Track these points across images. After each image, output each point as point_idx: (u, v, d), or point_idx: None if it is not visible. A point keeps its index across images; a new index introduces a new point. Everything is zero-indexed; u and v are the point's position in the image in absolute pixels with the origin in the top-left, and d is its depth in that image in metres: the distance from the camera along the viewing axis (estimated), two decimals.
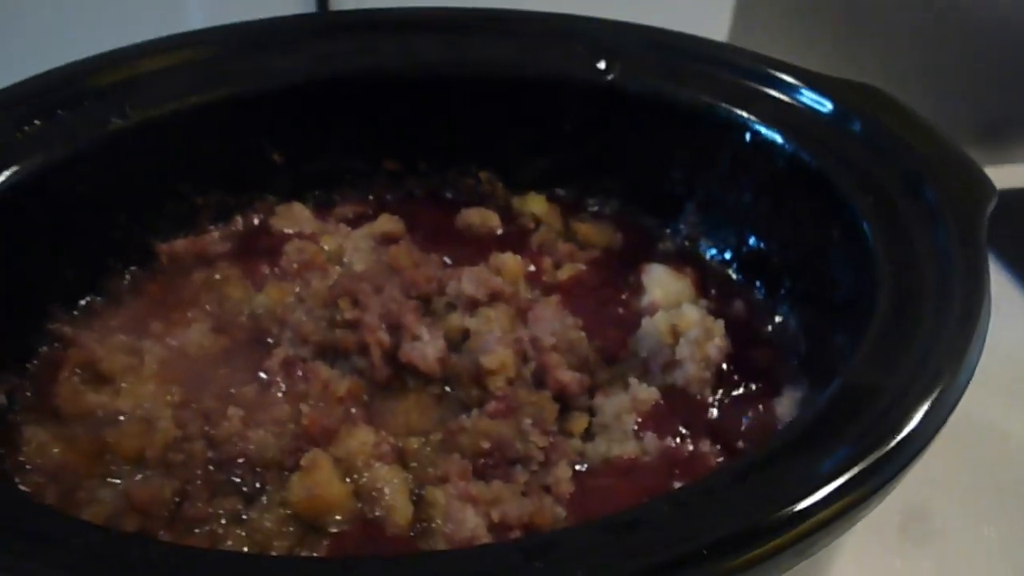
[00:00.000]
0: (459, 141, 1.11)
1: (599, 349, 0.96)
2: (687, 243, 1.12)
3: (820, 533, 0.50)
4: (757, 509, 0.51)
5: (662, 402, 0.90)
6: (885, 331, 0.72)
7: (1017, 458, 1.06)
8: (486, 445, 0.83)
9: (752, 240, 1.05)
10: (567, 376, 0.89)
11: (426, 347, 0.89)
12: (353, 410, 0.88)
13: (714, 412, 0.91)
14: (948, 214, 0.80)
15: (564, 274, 1.08)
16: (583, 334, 0.96)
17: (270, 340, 0.93)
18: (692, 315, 0.96)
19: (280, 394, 0.87)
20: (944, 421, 0.62)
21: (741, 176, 1.00)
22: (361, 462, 0.81)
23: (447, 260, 1.07)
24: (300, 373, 0.89)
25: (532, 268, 1.07)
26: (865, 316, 0.76)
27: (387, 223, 1.12)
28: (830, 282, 0.92)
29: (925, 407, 0.61)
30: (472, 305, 0.97)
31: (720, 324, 0.95)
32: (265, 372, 0.90)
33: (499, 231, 1.14)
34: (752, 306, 1.04)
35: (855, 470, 0.54)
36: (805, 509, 0.51)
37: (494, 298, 0.98)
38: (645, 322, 0.96)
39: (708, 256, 1.10)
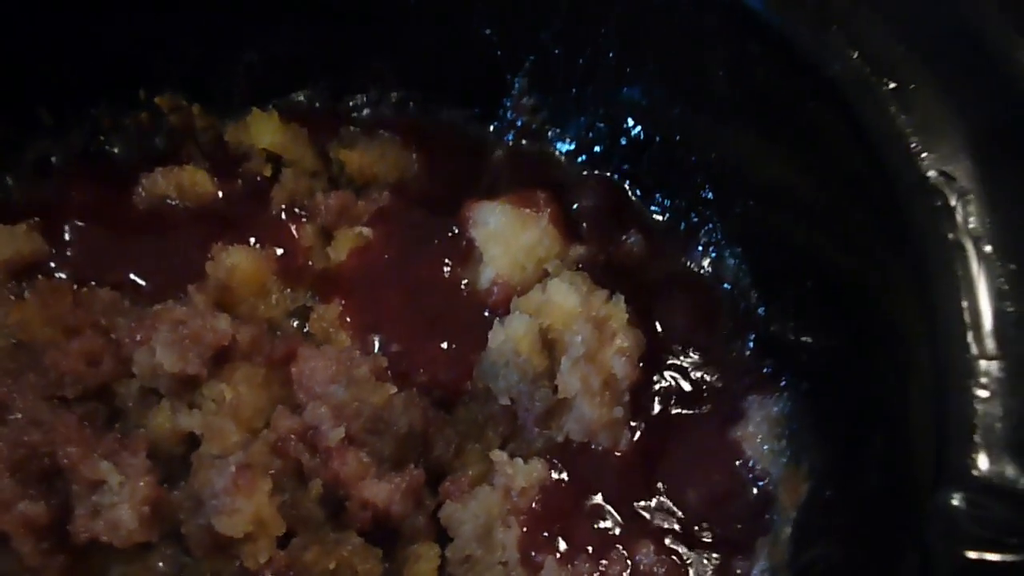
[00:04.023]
0: (95, 47, 0.61)
1: (426, 389, 0.55)
2: (526, 141, 0.67)
3: None
4: None
5: (561, 475, 0.52)
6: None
7: None
8: None
9: (631, 123, 0.62)
10: (381, 492, 0.52)
11: (118, 504, 0.54)
12: None
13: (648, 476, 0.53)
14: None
15: (341, 250, 0.64)
16: (393, 389, 0.54)
17: None
18: (568, 302, 0.56)
19: None
20: None
21: (599, 17, 0.58)
22: None
23: (137, 280, 0.60)
24: None
25: (280, 251, 0.62)
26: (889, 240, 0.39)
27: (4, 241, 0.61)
28: (792, 183, 0.51)
29: None
30: (185, 386, 0.53)
31: (620, 304, 0.55)
32: None
33: (218, 194, 0.66)
34: (656, 238, 0.62)
35: None
36: None
37: (224, 359, 0.54)
38: (494, 338, 0.54)
39: (563, 155, 0.67)
